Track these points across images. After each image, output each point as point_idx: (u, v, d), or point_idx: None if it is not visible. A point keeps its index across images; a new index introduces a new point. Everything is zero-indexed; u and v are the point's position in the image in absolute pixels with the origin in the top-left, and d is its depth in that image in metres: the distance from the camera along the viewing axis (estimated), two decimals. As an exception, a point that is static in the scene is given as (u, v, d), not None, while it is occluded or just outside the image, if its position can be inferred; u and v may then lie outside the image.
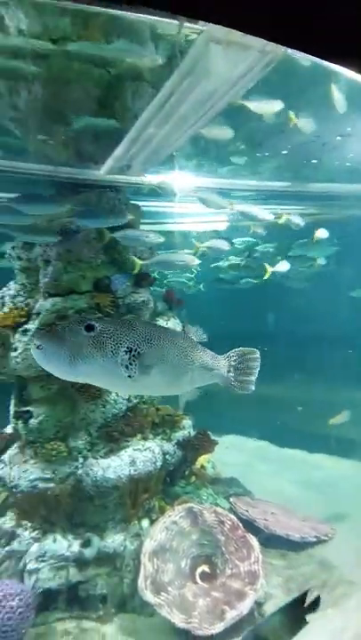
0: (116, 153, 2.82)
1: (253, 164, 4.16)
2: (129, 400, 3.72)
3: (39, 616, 3.11)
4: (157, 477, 3.58)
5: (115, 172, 3.12)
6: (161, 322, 3.98)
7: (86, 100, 2.88)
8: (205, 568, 3.34)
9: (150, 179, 3.37)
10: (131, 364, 1.48)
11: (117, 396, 3.62)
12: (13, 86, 2.84)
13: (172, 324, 4.08)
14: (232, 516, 3.55)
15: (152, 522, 3.61)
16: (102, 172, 3.12)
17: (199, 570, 3.34)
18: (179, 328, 4.17)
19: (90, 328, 1.47)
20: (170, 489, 4.04)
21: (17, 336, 3.33)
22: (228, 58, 1.82)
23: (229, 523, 3.49)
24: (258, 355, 1.97)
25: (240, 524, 3.48)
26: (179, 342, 1.73)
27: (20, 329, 3.36)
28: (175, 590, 3.10)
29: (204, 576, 3.30)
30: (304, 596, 1.90)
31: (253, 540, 3.37)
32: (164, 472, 3.73)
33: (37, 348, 1.43)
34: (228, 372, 1.93)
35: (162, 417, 3.92)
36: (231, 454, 6.04)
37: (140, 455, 3.52)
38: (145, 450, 3.58)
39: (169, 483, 4.03)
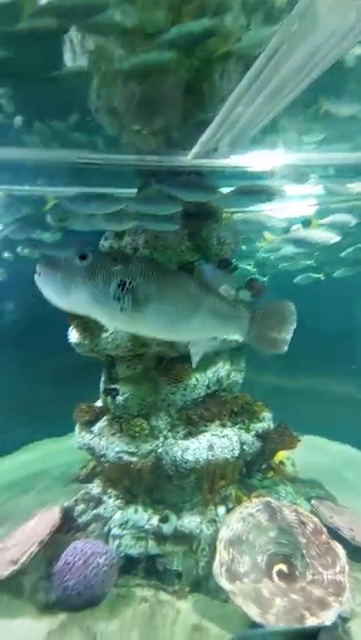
0: (203, 137, 2.81)
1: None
2: (208, 386, 3.74)
3: (120, 578, 3.36)
4: (235, 466, 3.54)
5: (202, 157, 3.12)
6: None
7: (177, 87, 2.94)
8: (283, 567, 3.18)
9: (238, 161, 3.29)
10: (124, 296, 1.45)
11: (197, 381, 3.66)
12: (110, 81, 3.06)
13: (255, 311, 3.96)
14: (315, 519, 3.30)
15: (228, 510, 3.58)
16: (189, 158, 3.16)
17: (276, 568, 3.20)
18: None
19: (83, 257, 1.47)
20: (246, 480, 3.96)
21: (108, 318, 3.62)
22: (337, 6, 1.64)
23: (312, 525, 3.26)
24: (293, 308, 1.69)
25: (324, 529, 3.22)
26: (183, 283, 1.60)
27: (111, 311, 3.64)
28: (251, 583, 3.02)
29: (281, 575, 3.15)
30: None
31: (339, 549, 3.08)
32: (241, 462, 3.66)
33: (38, 274, 1.48)
34: (252, 324, 1.69)
35: (240, 405, 3.85)
36: (313, 455, 5.65)
37: (218, 441, 3.51)
38: (223, 437, 3.56)
39: (245, 474, 3.95)
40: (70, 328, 3.82)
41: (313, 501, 4.08)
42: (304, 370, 6.53)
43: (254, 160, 3.37)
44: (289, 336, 1.70)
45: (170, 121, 3.19)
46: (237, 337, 1.49)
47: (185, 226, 3.63)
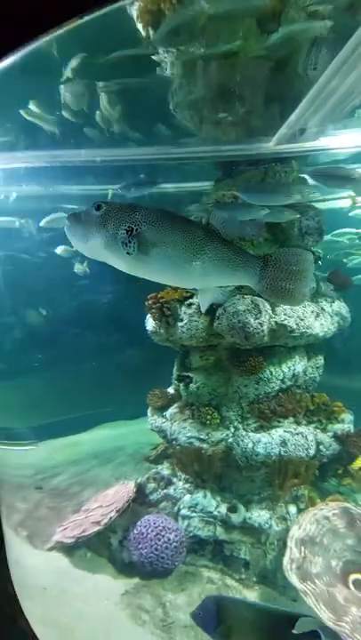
0: (291, 117, 2.69)
1: None
2: (283, 381, 3.64)
3: (189, 556, 3.53)
4: (309, 465, 3.41)
5: (286, 142, 3.00)
6: (324, 303, 3.67)
7: (259, 73, 2.86)
8: (360, 577, 3.00)
9: (326, 142, 3.08)
10: (130, 241, 1.51)
11: (271, 375, 3.60)
12: (190, 73, 3.10)
13: (337, 306, 3.70)
14: None
15: (299, 510, 3.49)
16: (272, 144, 3.06)
17: (353, 577, 3.03)
18: (345, 312, 3.76)
19: (98, 208, 1.59)
20: (320, 484, 3.79)
21: (183, 308, 3.74)
22: None
23: (396, 540, 2.99)
24: (310, 257, 1.57)
25: None
26: (189, 229, 1.59)
27: (186, 302, 3.76)
28: (323, 586, 2.92)
29: (358, 585, 2.97)
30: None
31: None
32: (317, 462, 3.51)
33: (66, 226, 1.65)
34: (263, 274, 1.57)
35: (317, 405, 3.67)
36: None
37: (292, 438, 3.42)
38: (297, 434, 3.46)
39: (319, 477, 3.78)
40: (147, 317, 4.06)
41: None
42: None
43: (345, 142, 3.11)
44: (306, 288, 1.60)
45: (252, 107, 3.12)
46: (250, 285, 1.43)
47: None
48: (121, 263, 1.67)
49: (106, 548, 3.67)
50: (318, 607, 2.74)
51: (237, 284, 1.69)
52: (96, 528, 3.65)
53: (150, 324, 4.00)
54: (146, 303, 3.97)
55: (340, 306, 3.71)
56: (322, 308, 3.61)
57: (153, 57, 2.98)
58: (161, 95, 3.28)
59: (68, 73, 2.89)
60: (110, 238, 1.58)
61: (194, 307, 3.69)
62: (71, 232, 1.66)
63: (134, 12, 2.47)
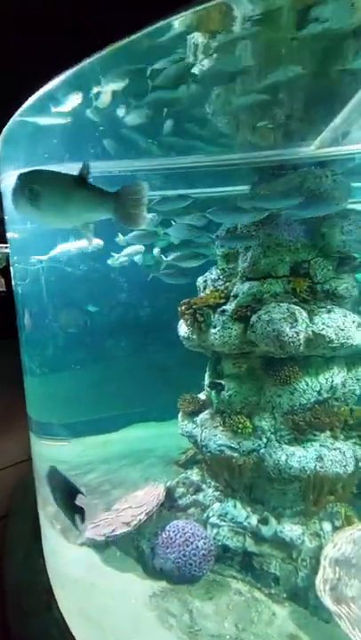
0: (337, 120, 2.61)
1: None
2: (319, 393, 3.53)
3: (217, 565, 3.53)
4: (347, 483, 3.28)
5: (328, 145, 2.91)
6: (365, 312, 3.51)
7: (301, 76, 2.80)
8: None
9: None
10: (26, 197, 2.04)
11: (307, 386, 3.50)
12: (229, 83, 3.10)
13: (380, 315, 3.52)
14: None
15: (334, 528, 3.37)
16: (313, 148, 2.98)
17: (392, 606, 2.87)
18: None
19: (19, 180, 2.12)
20: (358, 502, 3.63)
21: (216, 315, 3.75)
22: None
23: None
24: (144, 186, 1.96)
25: None
26: (66, 183, 2.05)
27: (219, 309, 3.76)
28: (359, 610, 2.80)
29: None
30: None
31: None
32: (355, 480, 3.37)
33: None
34: (117, 206, 2.01)
35: (357, 419, 3.52)
36: None
37: (328, 453, 3.30)
38: (334, 449, 3.33)
39: (357, 494, 3.62)
40: (180, 322, 4.11)
41: None
42: None
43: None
44: (144, 212, 2.00)
45: (291, 111, 3.06)
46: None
47: (302, 221, 3.46)
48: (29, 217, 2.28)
49: (134, 549, 3.76)
50: (353, 633, 2.64)
51: (103, 217, 2.08)
52: (126, 529, 3.76)
53: (183, 329, 4.05)
54: (179, 309, 4.02)
55: (382, 315, 3.53)
56: (364, 318, 3.45)
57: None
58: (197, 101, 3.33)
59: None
60: (19, 198, 2.08)
61: (228, 313, 3.69)
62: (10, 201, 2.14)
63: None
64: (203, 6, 2.24)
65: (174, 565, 3.45)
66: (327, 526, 3.37)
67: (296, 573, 3.27)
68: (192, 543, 3.50)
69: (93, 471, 5.47)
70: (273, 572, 3.34)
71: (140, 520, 3.77)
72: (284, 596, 3.24)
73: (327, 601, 2.81)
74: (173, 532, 3.61)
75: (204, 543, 3.50)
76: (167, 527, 3.66)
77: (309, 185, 3.29)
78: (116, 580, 3.58)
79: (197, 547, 3.48)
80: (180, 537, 3.55)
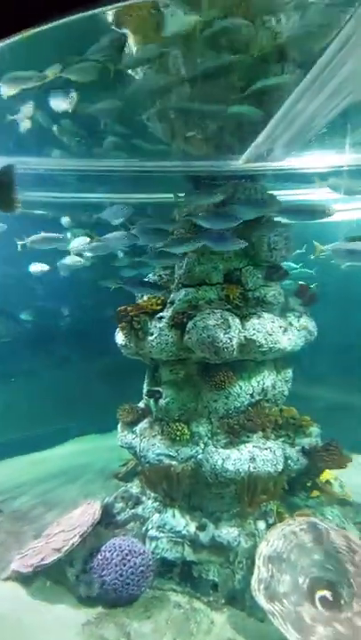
0: (259, 138, 2.76)
1: None
2: (252, 396, 3.66)
3: (156, 580, 3.41)
4: (277, 481, 3.42)
5: (254, 160, 3.07)
6: (292, 318, 3.76)
7: (230, 90, 2.93)
8: (327, 594, 3.01)
9: (292, 163, 3.19)
10: None
11: (240, 389, 3.61)
12: (164, 90, 3.13)
13: (304, 320, 3.80)
14: (366, 548, 3.08)
15: (268, 525, 3.48)
16: (241, 162, 3.13)
17: (319, 594, 3.03)
18: (312, 326, 3.86)
19: None
20: (288, 498, 3.82)
21: (153, 322, 3.70)
22: None
23: (362, 554, 3.04)
24: (12, 169, 1.84)
25: (376, 560, 2.99)
26: None
27: (157, 316, 3.72)
28: (290, 605, 2.90)
29: (324, 602, 2.98)
30: None
31: (394, 584, 2.84)
32: (285, 477, 3.53)
33: None
34: None
35: (286, 419, 3.72)
36: (361, 477, 5.25)
37: (260, 453, 3.42)
38: (265, 449, 3.47)
39: (288, 491, 3.80)
40: (117, 330, 3.97)
41: (364, 528, 3.81)
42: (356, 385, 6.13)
43: (310, 162, 3.24)
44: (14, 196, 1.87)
45: (223, 125, 3.19)
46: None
47: (234, 231, 3.60)
48: None
49: (66, 576, 3.48)
50: (285, 628, 2.72)
51: None
52: (56, 555, 3.45)
53: (120, 337, 3.92)
54: (115, 316, 3.90)
55: (306, 320, 3.81)
56: (290, 323, 3.69)
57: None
58: (133, 106, 3.30)
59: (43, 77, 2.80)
60: None
61: (164, 320, 3.66)
62: None
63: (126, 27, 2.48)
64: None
65: (111, 587, 3.25)
66: (261, 525, 3.48)
67: (233, 576, 3.30)
68: (130, 561, 3.34)
69: (25, 494, 4.99)
70: (212, 578, 3.33)
71: (73, 544, 3.49)
72: (223, 601, 3.24)
73: (261, 600, 2.87)
74: (110, 551, 3.42)
75: (143, 559, 3.36)
76: (103, 548, 3.45)
77: (240, 196, 3.44)
78: (47, 612, 3.26)
79: (135, 564, 3.33)
80: (117, 555, 3.37)
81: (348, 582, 2.98)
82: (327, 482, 4.22)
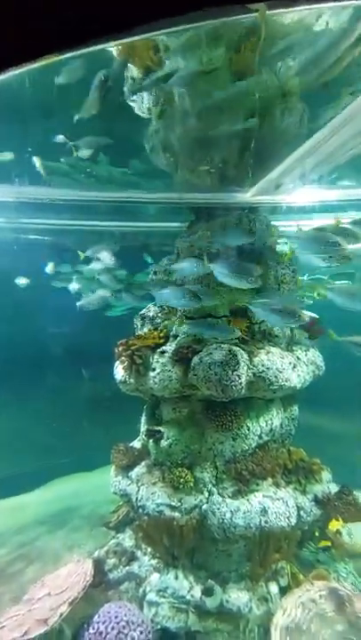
0: (274, 172, 2.60)
1: None
2: (260, 437, 3.29)
3: (155, 657, 2.86)
4: (291, 536, 3.00)
5: (261, 193, 2.91)
6: (299, 352, 3.48)
7: (235, 125, 2.82)
8: (354, 675, 2.54)
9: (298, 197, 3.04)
10: None
11: (248, 430, 3.24)
12: (169, 123, 3.00)
13: (311, 354, 3.52)
14: (395, 616, 2.65)
15: (281, 588, 3.02)
16: (249, 195, 2.97)
17: (345, 673, 2.56)
18: (320, 361, 3.59)
19: None
20: (297, 551, 3.36)
21: (155, 357, 3.36)
22: None
23: (390, 624, 2.61)
24: None
25: None
26: None
27: (159, 350, 3.38)
28: None
29: None
30: None
31: None
32: (298, 532, 3.11)
33: None
34: None
35: (295, 462, 3.34)
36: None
37: (273, 505, 3.00)
38: (277, 499, 3.06)
39: (299, 544, 3.36)
40: (116, 364, 3.60)
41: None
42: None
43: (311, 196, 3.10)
44: None
45: (227, 158, 3.05)
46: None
47: (239, 262, 3.38)
48: None
49: (53, 655, 2.88)
50: None
51: None
52: (42, 629, 2.86)
53: (119, 372, 3.54)
54: (115, 350, 3.54)
55: (314, 354, 3.55)
56: (298, 358, 3.41)
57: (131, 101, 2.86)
58: (136, 137, 3.16)
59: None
60: None
61: (167, 355, 3.33)
62: None
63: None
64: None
65: (104, 670, 2.68)
66: (274, 588, 3.01)
67: (245, 651, 2.79)
68: (127, 635, 2.79)
69: (2, 546, 4.32)
70: (220, 654, 2.80)
71: (62, 614, 2.92)
72: None
73: None
74: (104, 623, 2.85)
75: (141, 632, 2.81)
76: (95, 618, 2.88)
77: (244, 226, 3.25)
78: None
79: (133, 638, 2.78)
80: (113, 629, 2.81)
81: (377, 659, 2.53)
82: (337, 532, 3.79)
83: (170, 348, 3.35)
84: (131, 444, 3.88)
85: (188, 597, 2.95)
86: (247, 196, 2.97)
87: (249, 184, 3.02)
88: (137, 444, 3.85)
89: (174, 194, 3.12)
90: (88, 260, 4.09)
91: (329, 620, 2.68)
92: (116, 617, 2.88)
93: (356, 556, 3.68)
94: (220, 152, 2.95)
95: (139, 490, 3.32)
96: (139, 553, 3.42)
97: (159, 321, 3.69)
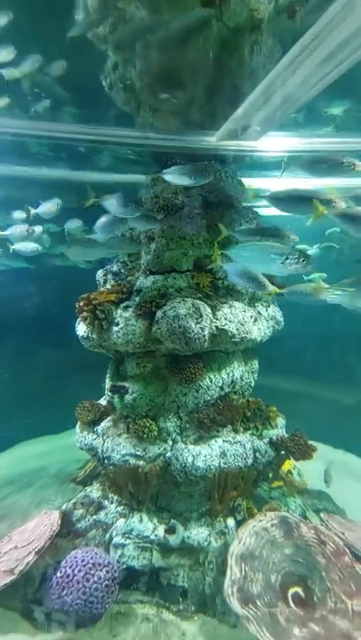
0: (237, 113, 2.38)
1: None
2: (222, 388, 3.31)
3: (121, 592, 2.92)
4: (248, 476, 3.10)
5: (228, 138, 2.70)
6: (260, 308, 3.46)
7: (202, 60, 2.53)
8: (299, 591, 2.75)
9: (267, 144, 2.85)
10: None
11: (211, 382, 3.23)
12: (128, 56, 2.64)
13: (272, 310, 3.52)
14: (336, 539, 2.87)
15: (238, 522, 3.16)
16: (214, 139, 2.74)
17: (291, 591, 2.76)
18: (279, 316, 3.60)
19: None
20: (253, 490, 3.52)
21: (119, 311, 3.18)
22: None
23: (332, 545, 2.82)
24: None
25: (347, 551, 2.79)
26: None
27: (122, 305, 3.21)
28: (265, 607, 2.59)
29: (297, 600, 2.71)
30: None
31: (366, 574, 2.65)
32: (254, 472, 3.23)
33: None
34: None
35: (253, 410, 3.42)
36: (316, 464, 5.18)
37: (231, 448, 3.08)
38: (235, 443, 3.13)
39: (254, 483, 3.51)
40: (78, 320, 3.39)
41: (322, 515, 3.63)
42: (304, 374, 6.11)
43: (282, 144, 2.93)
44: None
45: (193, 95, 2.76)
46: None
47: (203, 216, 3.21)
48: None
49: (20, 600, 2.85)
50: (261, 633, 2.39)
51: None
52: (9, 578, 2.80)
53: (81, 328, 3.34)
54: (76, 305, 3.31)
55: (274, 310, 3.55)
56: (259, 313, 3.39)
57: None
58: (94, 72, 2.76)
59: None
60: None
61: (131, 310, 3.16)
62: None
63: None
64: None
65: (73, 609, 2.69)
66: (231, 522, 3.13)
67: (204, 580, 2.92)
68: (93, 575, 2.79)
69: (-31, 508, 4.17)
70: (181, 584, 2.91)
71: (28, 563, 2.87)
72: (193, 609, 2.84)
73: (235, 605, 2.52)
74: (71, 567, 2.84)
75: (107, 572, 2.84)
76: (62, 563, 2.87)
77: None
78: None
79: (100, 578, 2.79)
80: (79, 571, 2.81)
81: (320, 576, 2.74)
82: (289, 472, 4.03)
83: (133, 302, 3.18)
84: (96, 402, 3.77)
85: (152, 537, 3.01)
86: (213, 139, 2.75)
87: (215, 128, 2.78)
88: (102, 401, 3.74)
89: (138, 132, 2.79)
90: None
91: (279, 545, 2.85)
92: (82, 560, 2.87)
93: (305, 493, 3.96)
94: (185, 90, 2.67)
95: (104, 442, 3.26)
96: (105, 502, 3.41)
97: (123, 276, 3.48)
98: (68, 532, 3.35)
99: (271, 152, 3.04)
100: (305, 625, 2.48)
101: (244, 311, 3.18)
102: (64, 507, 3.49)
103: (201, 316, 2.95)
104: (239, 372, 3.47)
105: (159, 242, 3.16)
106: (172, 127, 2.80)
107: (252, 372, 3.68)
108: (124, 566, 2.96)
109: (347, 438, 5.67)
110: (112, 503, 3.33)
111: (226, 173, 3.14)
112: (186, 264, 3.21)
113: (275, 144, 2.93)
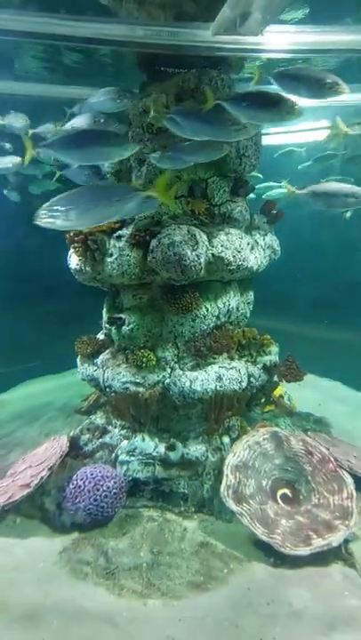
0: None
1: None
2: (218, 318, 3.28)
3: (128, 500, 3.17)
4: (242, 397, 3.22)
5: (225, 30, 2.29)
6: (257, 236, 3.30)
7: None
8: (287, 492, 3.00)
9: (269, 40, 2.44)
10: None
11: (207, 311, 3.19)
12: None
13: (270, 239, 3.37)
14: (323, 449, 3.07)
15: (232, 440, 3.34)
16: (209, 33, 2.34)
17: (280, 492, 3.02)
18: (276, 245, 3.46)
19: None
20: (247, 413, 3.70)
21: (112, 242, 3.01)
22: None
23: (319, 455, 3.02)
24: None
25: (332, 459, 2.99)
26: None
27: (115, 234, 3.02)
28: (256, 505, 2.84)
29: (285, 499, 2.98)
30: None
31: (347, 476, 2.88)
32: (248, 393, 3.34)
33: None
34: None
35: (248, 339, 3.44)
36: (304, 391, 5.43)
37: (227, 373, 3.14)
38: (231, 368, 3.19)
39: (246, 407, 3.67)
40: (69, 253, 3.22)
41: (309, 433, 3.87)
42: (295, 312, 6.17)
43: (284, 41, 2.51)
44: None
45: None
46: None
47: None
48: None
49: (38, 509, 3.09)
50: (253, 525, 2.66)
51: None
52: (25, 491, 3.00)
53: (73, 260, 3.19)
54: (67, 236, 3.11)
55: (271, 239, 3.40)
56: (256, 241, 3.24)
57: None
58: None
59: None
60: None
61: (124, 239, 2.99)
62: None
63: None
64: None
65: (86, 513, 2.94)
66: (226, 439, 3.32)
67: (202, 487, 3.16)
68: (102, 485, 3.01)
69: (-17, 439, 4.36)
70: (182, 491, 3.16)
71: (42, 477, 3.06)
72: (193, 510, 3.12)
73: (230, 503, 2.76)
74: (82, 479, 3.04)
75: (115, 482, 3.05)
76: (74, 477, 3.07)
77: (204, 87, 2.67)
78: (18, 549, 2.88)
79: (108, 487, 3.02)
80: (89, 482, 3.02)
81: (306, 480, 2.98)
82: (280, 396, 4.23)
83: (126, 231, 2.99)
84: (94, 336, 3.76)
85: (154, 454, 3.19)
86: (208, 33, 2.34)
87: (211, 20, 2.36)
88: (100, 335, 3.73)
89: (124, 26, 2.35)
90: None
91: (270, 457, 3.06)
92: (92, 474, 3.07)
93: (294, 415, 4.20)
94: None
95: (105, 373, 3.30)
96: (110, 427, 3.56)
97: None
98: (76, 454, 3.54)
99: (274, 53, 2.63)
100: (292, 517, 2.74)
101: (241, 238, 3.03)
102: (71, 433, 3.65)
103: (197, 243, 2.81)
104: (235, 302, 3.42)
105: (150, 165, 2.89)
106: (161, 21, 2.37)
107: (248, 302, 3.63)
108: (130, 478, 3.18)
109: (334, 372, 5.90)
110: (116, 427, 3.48)
111: (223, 81, 2.76)
112: (180, 189, 2.97)
113: (279, 42, 2.52)
